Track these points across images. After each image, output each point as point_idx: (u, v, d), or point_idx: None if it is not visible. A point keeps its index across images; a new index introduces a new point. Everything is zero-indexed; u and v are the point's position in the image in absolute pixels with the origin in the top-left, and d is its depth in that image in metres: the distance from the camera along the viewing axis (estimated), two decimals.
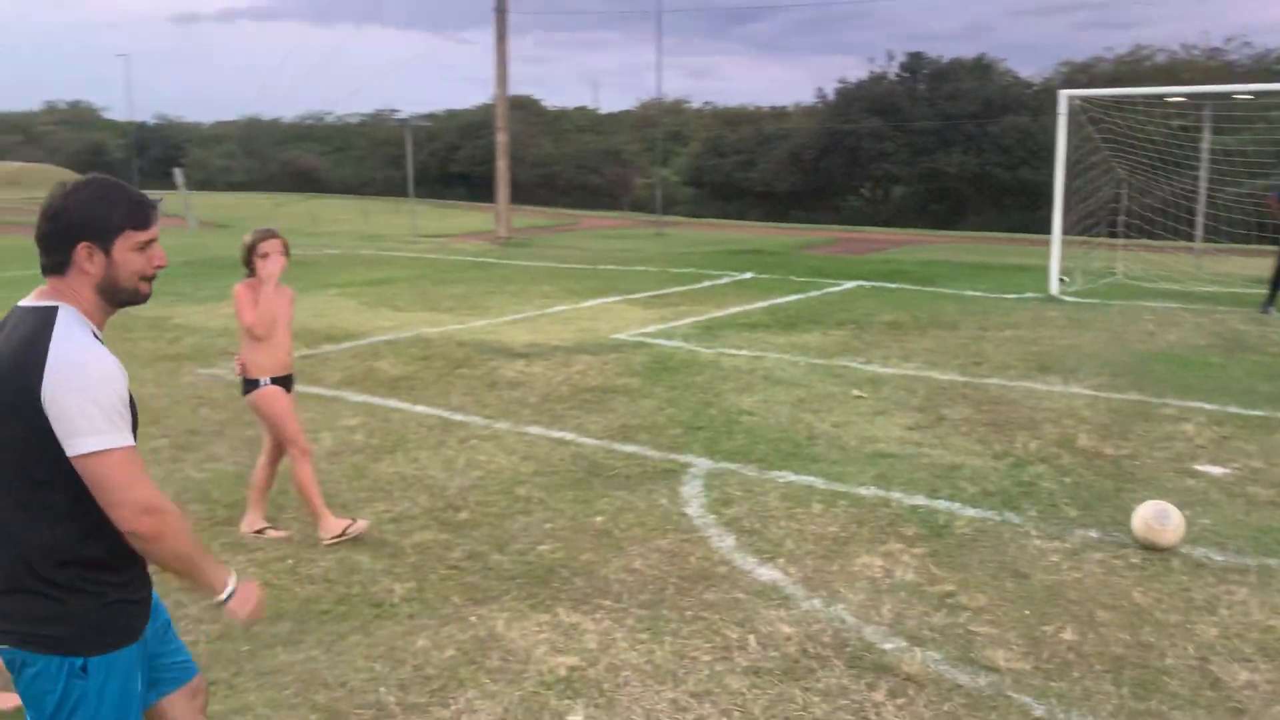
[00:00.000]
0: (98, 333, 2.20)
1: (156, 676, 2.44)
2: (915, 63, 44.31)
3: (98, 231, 2.17)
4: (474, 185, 54.92)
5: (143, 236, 2.21)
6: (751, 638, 4.04)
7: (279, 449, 5.23)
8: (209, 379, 8.39)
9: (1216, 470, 6.10)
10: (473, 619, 4.20)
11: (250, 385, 5.05)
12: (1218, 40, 37.22)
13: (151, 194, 2.33)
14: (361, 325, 10.99)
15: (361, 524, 5.07)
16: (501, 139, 24.57)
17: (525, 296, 13.43)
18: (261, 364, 5.03)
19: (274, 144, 70.33)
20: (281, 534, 5.15)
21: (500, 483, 5.89)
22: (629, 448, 6.55)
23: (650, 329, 10.83)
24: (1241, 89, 15.94)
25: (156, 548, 2.16)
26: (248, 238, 5.01)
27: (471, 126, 57.28)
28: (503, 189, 24.75)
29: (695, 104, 65.33)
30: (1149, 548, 4.87)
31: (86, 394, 2.06)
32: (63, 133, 79.93)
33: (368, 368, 8.86)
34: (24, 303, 2.20)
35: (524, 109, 52.55)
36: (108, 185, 2.20)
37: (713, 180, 47.37)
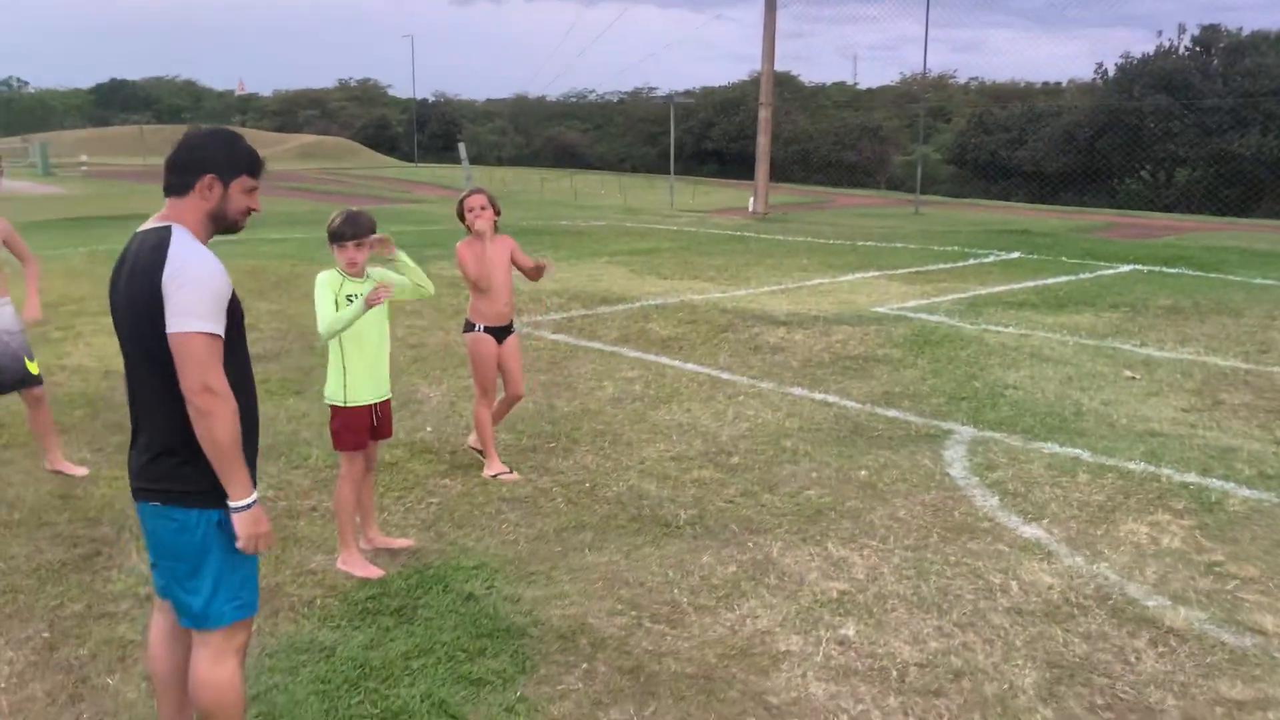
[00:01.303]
0: (204, 244, 2.65)
1: None
2: (1210, 36, 40.84)
3: (223, 169, 2.65)
4: (726, 162, 55.64)
5: (252, 183, 2.72)
6: (1014, 584, 4.29)
7: (508, 397, 5.76)
8: None
9: None
10: (750, 544, 4.68)
11: (468, 327, 5.60)
12: None
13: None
14: (631, 290, 11.74)
15: (515, 476, 5.53)
16: (764, 114, 24.91)
17: (783, 269, 13.80)
18: (481, 312, 5.55)
19: (540, 121, 73.81)
20: (512, 476, 5.55)
21: (767, 434, 6.34)
22: (891, 412, 6.84)
23: (911, 304, 10.95)
24: None
25: (204, 424, 2.52)
26: (460, 197, 5.60)
27: (728, 103, 57.96)
28: (763, 165, 25.12)
29: (961, 79, 63.01)
30: None
31: (188, 286, 2.51)
32: (352, 109, 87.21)
33: (640, 328, 9.54)
34: (143, 227, 2.68)
35: (781, 85, 52.49)
36: (236, 137, 2.73)
37: (976, 159, 45.70)
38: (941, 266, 14.22)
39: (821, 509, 5.13)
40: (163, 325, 2.53)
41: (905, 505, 5.18)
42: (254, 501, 2.64)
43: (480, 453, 5.70)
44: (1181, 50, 41.16)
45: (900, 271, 13.61)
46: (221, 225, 2.72)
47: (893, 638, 3.85)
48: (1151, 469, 5.73)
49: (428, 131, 77.50)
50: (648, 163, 58.71)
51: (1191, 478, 5.59)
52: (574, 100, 76.46)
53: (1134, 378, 7.76)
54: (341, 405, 4.35)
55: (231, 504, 2.61)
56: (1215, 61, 40.09)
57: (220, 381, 2.55)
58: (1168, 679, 3.57)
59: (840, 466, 5.75)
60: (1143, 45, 59.83)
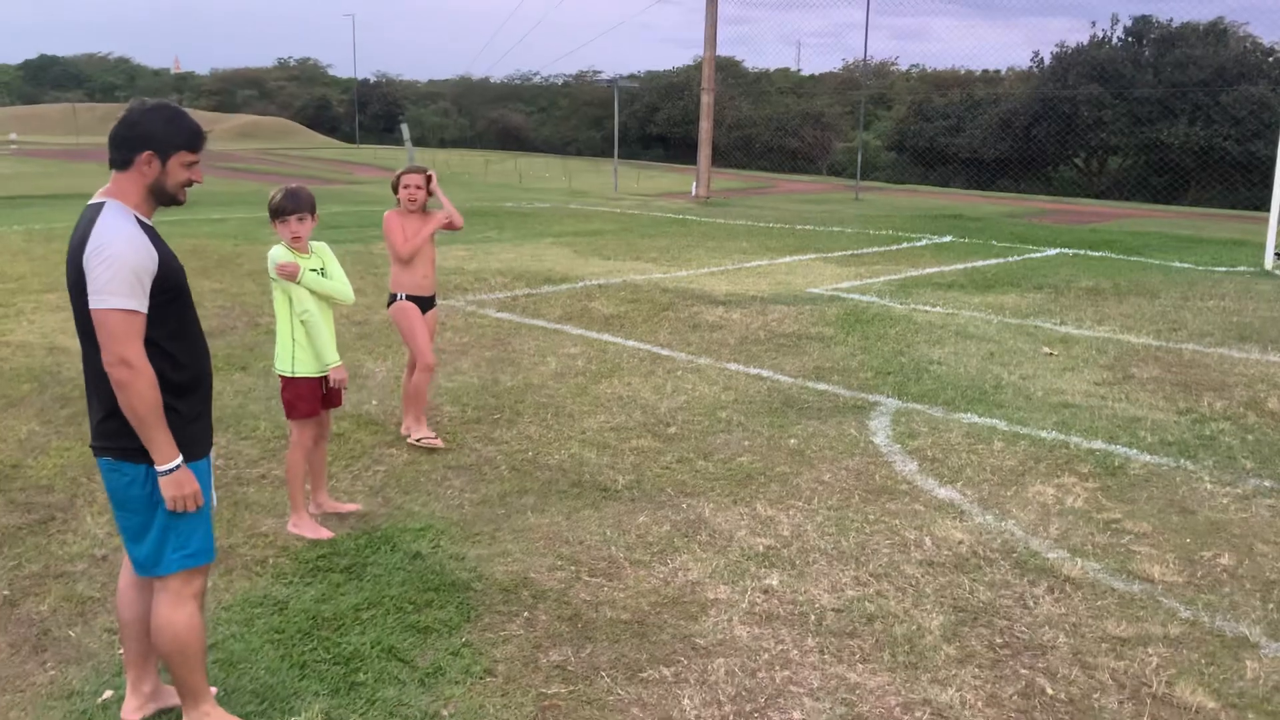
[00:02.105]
0: (143, 219, 2.75)
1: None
2: (1141, 26, 41.93)
3: (161, 145, 2.74)
4: (670, 146, 55.91)
5: (191, 158, 2.81)
6: (928, 539, 4.61)
7: (421, 368, 5.80)
8: (447, 308, 9.49)
9: None
10: (683, 506, 4.95)
11: (392, 299, 5.76)
12: None
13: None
14: (575, 270, 11.95)
15: (439, 442, 5.70)
16: (706, 100, 25.18)
17: (724, 252, 14.11)
18: (403, 282, 5.72)
19: (484, 103, 73.37)
20: (438, 442, 5.70)
21: (704, 406, 6.62)
22: (821, 385, 7.15)
23: (845, 285, 11.32)
24: None
25: (123, 396, 2.66)
26: (398, 172, 5.76)
27: (672, 88, 58.15)
28: (705, 150, 25.41)
29: (902, 66, 63.87)
30: None
31: (105, 264, 2.62)
32: (292, 88, 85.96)
33: (583, 307, 9.77)
34: (90, 201, 2.80)
35: (724, 70, 52.82)
36: (177, 112, 2.80)
37: (916, 145, 46.45)
38: (876, 250, 14.64)
39: (752, 474, 5.41)
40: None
41: (830, 470, 5.49)
42: (178, 465, 2.75)
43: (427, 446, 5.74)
44: (1115, 40, 42.23)
45: (836, 254, 13.99)
46: (163, 199, 2.81)
47: (813, 587, 4.14)
48: (1062, 437, 6.10)
49: (369, 112, 76.71)
50: (592, 146, 58.79)
51: (1098, 444, 5.97)
52: (518, 83, 76.13)
53: (1052, 354, 8.17)
54: (290, 375, 4.52)
55: (157, 468, 2.74)
56: (1146, 52, 41.19)
57: (137, 354, 2.65)
58: (1061, 620, 3.91)
59: (771, 436, 6.05)
60: (1078, 35, 61.14)
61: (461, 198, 20.99)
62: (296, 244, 4.46)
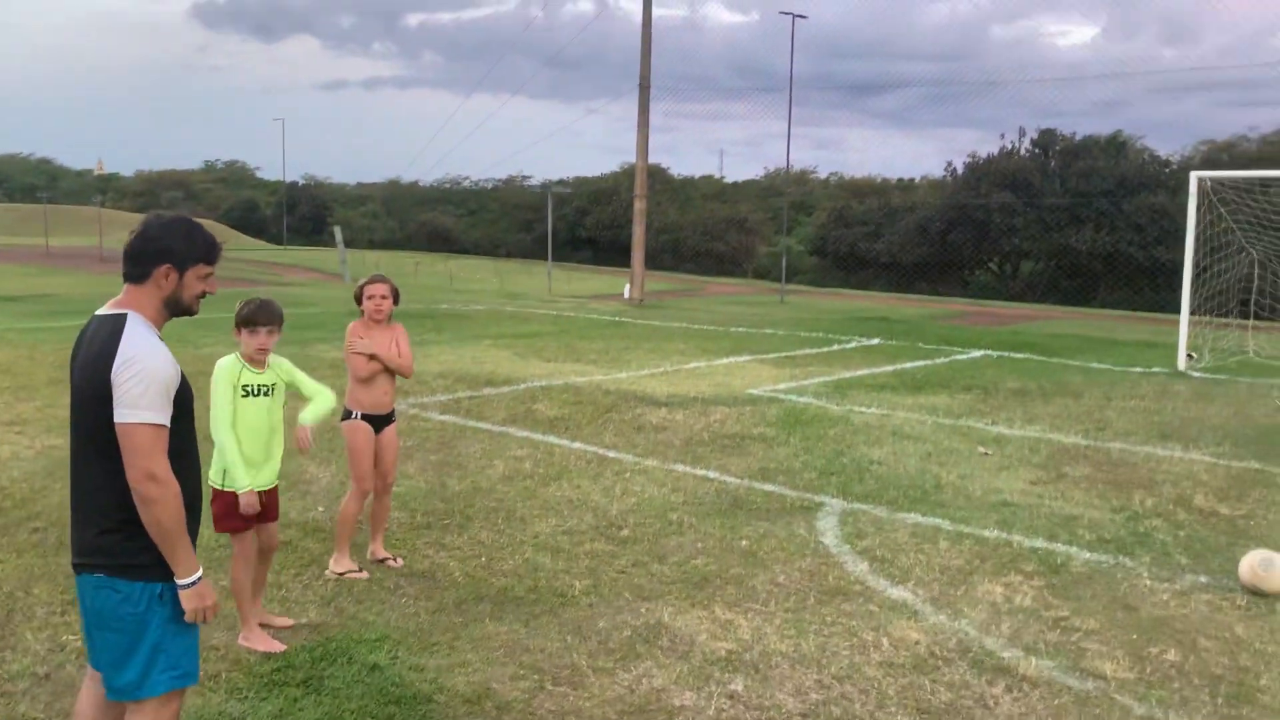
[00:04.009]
0: (157, 333, 2.78)
1: None
2: (1047, 139, 44.27)
3: (179, 258, 2.79)
4: (600, 249, 56.78)
5: (208, 270, 2.86)
6: (885, 640, 4.67)
7: (379, 480, 5.53)
8: None
9: None
10: (642, 610, 4.94)
11: (346, 414, 5.41)
12: None
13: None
14: (516, 372, 11.99)
15: (364, 574, 5.31)
16: (640, 206, 25.77)
17: (662, 353, 14.29)
18: (359, 399, 5.39)
19: (412, 205, 73.87)
20: (361, 574, 5.31)
21: (654, 508, 6.64)
22: (768, 486, 7.24)
23: (782, 386, 11.53)
24: None
25: (148, 511, 2.65)
26: (361, 282, 5.55)
27: (601, 193, 59.36)
28: (638, 253, 25.89)
29: (821, 174, 66.21)
30: (1254, 592, 5.29)
31: (137, 378, 2.64)
32: (219, 190, 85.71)
33: (527, 409, 9.78)
34: (101, 311, 2.82)
35: (651, 176, 54.04)
36: (193, 225, 2.87)
37: (837, 250, 47.92)
38: (808, 351, 14.96)
39: (708, 576, 5.43)
40: (110, 412, 2.65)
41: (784, 571, 5.54)
42: (199, 578, 2.75)
43: (381, 561, 5.51)
44: (1023, 151, 44.41)
45: (771, 356, 14.26)
46: (177, 311, 2.85)
47: (777, 691, 4.15)
48: (1004, 536, 6.25)
49: (297, 214, 76.67)
50: (522, 248, 59.36)
51: (1040, 543, 6.12)
52: (448, 186, 76.90)
53: (987, 453, 8.40)
54: (219, 488, 4.42)
55: (178, 581, 2.72)
56: (1053, 163, 43.38)
57: (164, 469, 2.66)
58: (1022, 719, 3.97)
59: (723, 537, 6.09)
60: (988, 146, 64.19)
61: None
62: (261, 356, 4.45)
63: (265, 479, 4.50)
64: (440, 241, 65.23)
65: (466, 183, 76.50)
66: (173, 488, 2.67)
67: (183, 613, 2.75)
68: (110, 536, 2.72)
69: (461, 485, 7.10)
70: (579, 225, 59.14)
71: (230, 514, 4.42)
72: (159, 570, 2.73)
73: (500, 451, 8.07)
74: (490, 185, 74.47)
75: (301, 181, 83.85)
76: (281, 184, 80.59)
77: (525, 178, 71.35)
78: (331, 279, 32.36)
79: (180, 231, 2.82)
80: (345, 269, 30.76)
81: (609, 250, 53.35)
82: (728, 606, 5.02)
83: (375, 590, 5.14)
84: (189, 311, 2.88)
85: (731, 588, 5.28)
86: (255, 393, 4.44)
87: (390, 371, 5.48)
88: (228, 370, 4.40)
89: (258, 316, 4.40)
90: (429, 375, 11.47)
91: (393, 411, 5.61)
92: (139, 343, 2.69)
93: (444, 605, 4.96)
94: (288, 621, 4.72)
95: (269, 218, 79.61)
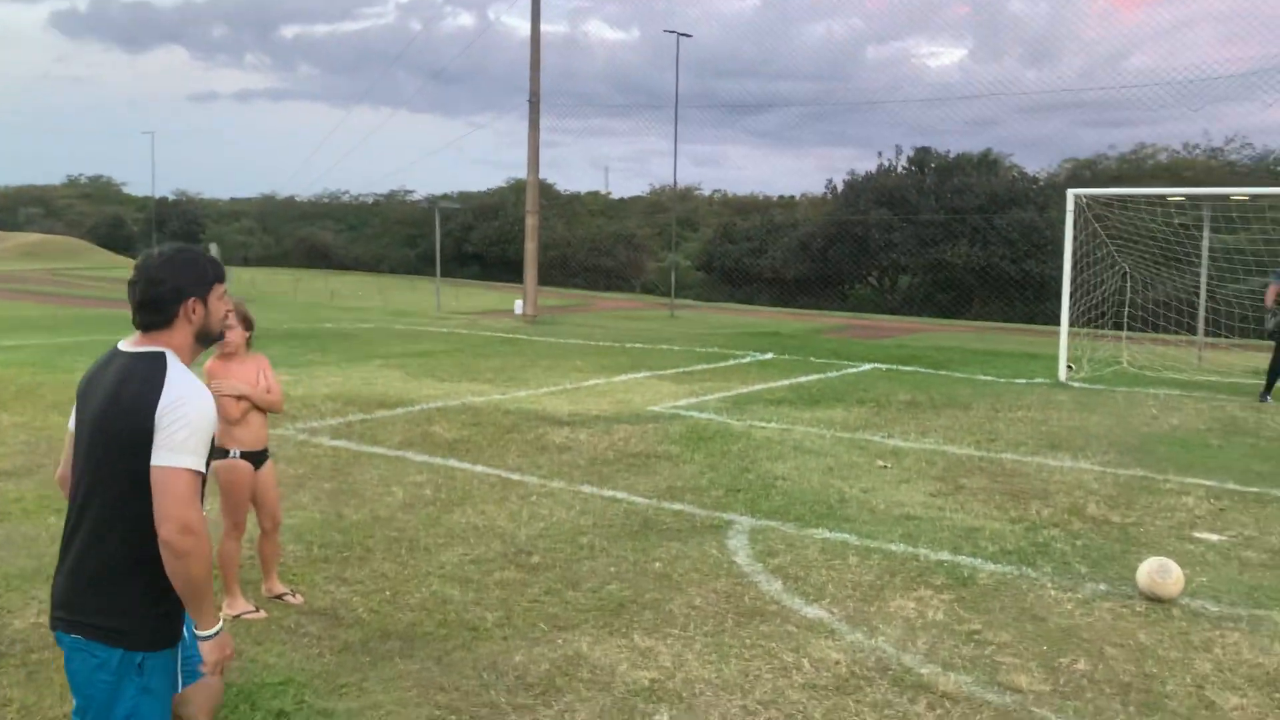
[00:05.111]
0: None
1: (185, 669, 2.79)
2: (922, 157, 45.72)
3: (199, 287, 2.69)
4: (487, 265, 56.19)
5: (222, 288, 2.79)
6: (805, 661, 4.63)
7: (266, 519, 5.27)
8: (277, 438, 9.04)
9: (1214, 537, 6.70)
10: (559, 641, 4.80)
11: (220, 454, 5.01)
12: (1219, 140, 38.20)
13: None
14: (410, 393, 11.67)
15: (261, 614, 5.05)
16: (531, 222, 25.59)
17: (560, 370, 14.14)
18: (234, 435, 5.03)
19: (289, 221, 71.90)
20: (259, 615, 5.05)
21: (564, 533, 6.50)
22: (677, 505, 7.18)
23: (683, 402, 11.52)
24: (1237, 191, 16.80)
25: (181, 564, 2.50)
26: None
27: (487, 208, 58.80)
28: (531, 269, 25.68)
29: (705, 191, 67.04)
30: (1152, 599, 5.46)
31: (183, 422, 2.51)
32: (82, 206, 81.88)
33: (424, 431, 9.51)
34: (127, 348, 2.66)
35: (540, 192, 53.99)
36: (193, 250, 2.77)
37: (723, 265, 48.47)
38: (705, 367, 15.02)
39: (624, 602, 5.32)
40: (144, 454, 2.49)
41: (700, 593, 5.47)
42: (221, 628, 2.65)
43: (279, 597, 5.27)
44: (899, 169, 45.78)
45: (669, 372, 14.26)
46: (207, 340, 2.75)
47: None
48: (910, 549, 6.32)
49: (168, 230, 73.83)
50: (406, 264, 58.30)
51: (945, 556, 6.21)
52: (327, 201, 75.08)
53: (886, 467, 8.52)
54: None
55: (201, 633, 2.61)
56: (928, 180, 44.80)
57: (200, 520, 2.53)
58: None
59: (636, 560, 5.99)
60: (865, 163, 66.01)
61: (274, 318, 20.29)
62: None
63: None
64: (319, 258, 63.57)
65: (346, 197, 74.85)
66: (206, 541, 2.55)
67: (160, 685, 2.65)
68: (94, 593, 2.59)
69: (359, 514, 6.83)
70: (465, 241, 58.44)
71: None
72: (140, 638, 2.60)
73: (398, 477, 7.81)
74: (372, 200, 72.98)
75: (172, 197, 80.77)
76: (150, 199, 77.52)
77: (408, 192, 70.18)
78: None
79: (184, 262, 2.70)
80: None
81: (496, 266, 52.87)
82: (646, 633, 4.92)
83: (275, 630, 4.87)
84: (219, 337, 2.84)
85: (649, 613, 5.18)
86: None
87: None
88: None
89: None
90: (317, 398, 11.08)
91: (267, 449, 5.26)
92: (186, 384, 2.58)
93: (349, 644, 4.73)
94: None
95: (137, 234, 76.48)
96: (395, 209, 67.91)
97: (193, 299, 2.67)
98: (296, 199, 73.27)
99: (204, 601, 2.58)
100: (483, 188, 64.44)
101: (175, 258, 2.70)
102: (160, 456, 2.49)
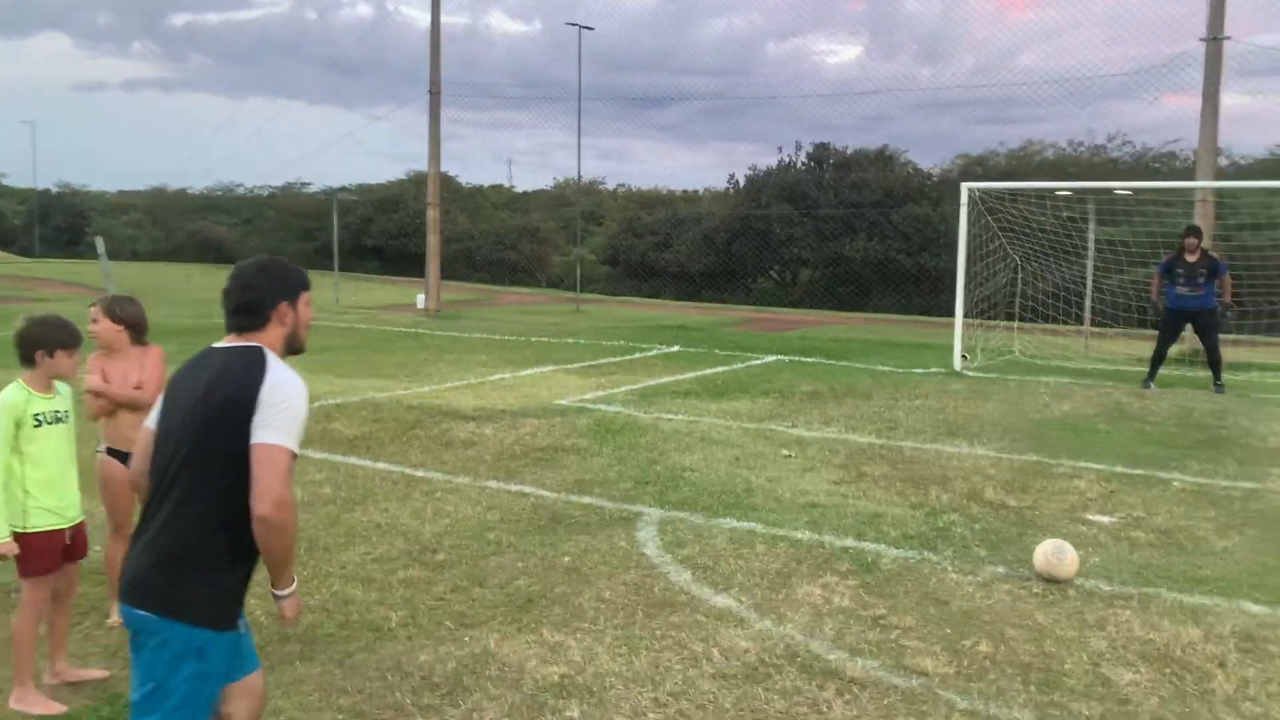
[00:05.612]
0: None
1: (238, 662, 2.91)
2: (821, 152, 46.44)
3: (292, 291, 2.93)
4: (387, 259, 55.19)
5: (308, 295, 3.00)
6: (715, 650, 4.63)
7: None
8: None
9: (1105, 519, 6.93)
10: (466, 639, 4.71)
11: (102, 447, 4.87)
12: (1101, 138, 39.72)
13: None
14: (309, 389, 11.34)
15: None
16: (433, 214, 25.21)
17: (464, 365, 13.94)
18: (107, 432, 4.84)
19: (181, 214, 69.55)
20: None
21: (470, 529, 6.39)
22: (585, 499, 7.12)
23: (590, 395, 11.46)
24: (1120, 186, 17.49)
25: (276, 536, 2.69)
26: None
27: (387, 201, 57.71)
28: (433, 263, 25.30)
29: (609, 185, 67.00)
30: (1049, 580, 5.61)
31: (285, 405, 2.72)
32: None
33: (323, 428, 9.26)
34: (221, 345, 2.87)
35: (441, 184, 53.24)
36: (282, 260, 3.03)
37: (628, 259, 48.53)
38: (611, 360, 14.99)
39: (532, 597, 5.25)
40: (242, 432, 2.64)
41: (609, 586, 5.43)
42: (295, 588, 2.87)
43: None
44: (799, 164, 46.45)
45: (575, 365, 14.19)
46: (293, 347, 2.95)
47: (614, 714, 4.03)
48: (816, 537, 6.38)
49: (51, 224, 70.80)
50: (303, 258, 56.79)
51: (849, 542, 6.29)
52: (220, 194, 72.78)
53: (790, 456, 8.61)
54: (23, 530, 3.93)
55: (281, 591, 2.82)
56: (827, 175, 45.57)
57: (292, 497, 2.71)
58: None
59: (544, 555, 5.91)
60: (766, 159, 66.84)
61: (166, 314, 19.54)
62: (56, 381, 4.04)
63: (71, 514, 4.10)
64: (213, 252, 61.50)
65: (241, 190, 72.66)
66: (296, 516, 2.76)
67: (217, 670, 2.76)
68: (163, 572, 2.70)
69: None
70: (365, 234, 57.29)
71: (36, 554, 3.95)
72: (205, 618, 2.71)
73: (297, 476, 7.55)
74: (267, 193, 70.98)
75: (55, 189, 77.28)
76: (33, 191, 74.10)
77: (305, 185, 68.43)
78: (96, 293, 29.84)
79: (276, 270, 2.95)
80: (110, 282, 28.41)
81: (397, 260, 51.95)
82: (555, 628, 4.86)
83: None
84: (303, 346, 2.98)
85: (558, 608, 5.12)
86: (51, 420, 4.03)
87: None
88: (11, 403, 3.90)
89: (60, 337, 3.97)
90: None
91: None
92: (287, 374, 2.79)
93: None
94: (100, 673, 4.25)
95: (18, 228, 73.08)
96: (292, 202, 66.15)
97: (284, 303, 2.88)
98: (188, 191, 70.99)
99: (290, 566, 2.80)
100: (382, 180, 63.25)
101: (268, 266, 2.95)
102: (262, 435, 2.65)
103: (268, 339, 2.86)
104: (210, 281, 36.52)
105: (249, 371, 2.73)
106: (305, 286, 2.98)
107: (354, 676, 4.29)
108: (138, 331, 4.92)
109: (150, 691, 2.69)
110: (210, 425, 2.69)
